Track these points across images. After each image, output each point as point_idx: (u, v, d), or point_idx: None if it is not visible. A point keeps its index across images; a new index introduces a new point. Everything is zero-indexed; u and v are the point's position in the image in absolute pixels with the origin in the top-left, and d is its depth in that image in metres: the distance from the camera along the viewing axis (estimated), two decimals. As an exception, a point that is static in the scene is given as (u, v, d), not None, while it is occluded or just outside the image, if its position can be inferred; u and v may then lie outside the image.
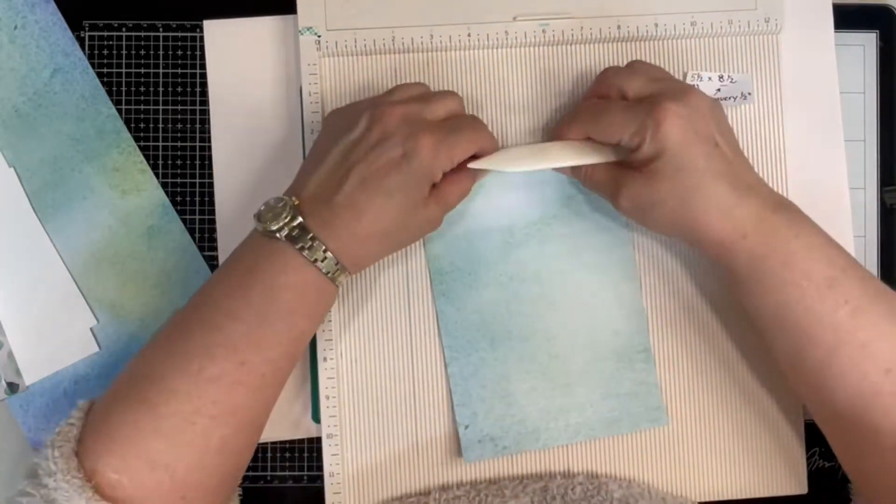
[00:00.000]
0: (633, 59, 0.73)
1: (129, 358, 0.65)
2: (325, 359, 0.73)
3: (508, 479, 0.73)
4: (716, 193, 0.63)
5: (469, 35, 0.73)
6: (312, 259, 0.62)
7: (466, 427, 0.72)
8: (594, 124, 0.66)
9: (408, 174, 0.63)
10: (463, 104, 0.69)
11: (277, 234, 0.62)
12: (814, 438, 0.74)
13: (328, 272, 0.63)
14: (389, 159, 0.63)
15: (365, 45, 0.73)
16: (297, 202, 0.63)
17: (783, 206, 0.64)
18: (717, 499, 0.74)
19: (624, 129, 0.64)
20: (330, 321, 0.72)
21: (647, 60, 0.73)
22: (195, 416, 0.61)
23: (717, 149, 0.64)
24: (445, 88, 0.73)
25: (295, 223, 0.62)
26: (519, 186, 0.73)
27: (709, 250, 0.66)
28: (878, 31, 0.78)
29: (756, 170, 0.68)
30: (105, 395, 0.64)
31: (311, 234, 0.62)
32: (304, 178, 0.65)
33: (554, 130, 0.71)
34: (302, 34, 0.73)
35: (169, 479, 0.60)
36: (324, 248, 0.62)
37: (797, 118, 0.75)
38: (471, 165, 0.67)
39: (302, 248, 0.62)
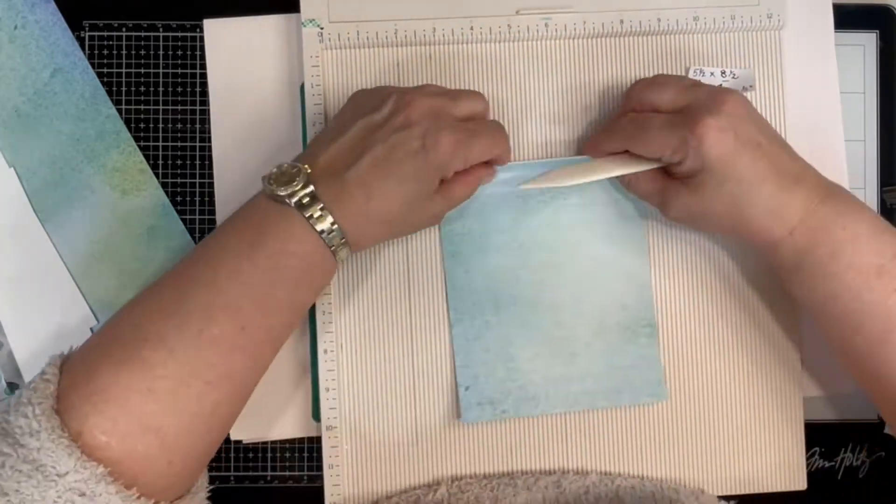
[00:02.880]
0: (636, 53, 0.72)
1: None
2: (325, 350, 0.70)
3: (520, 473, 0.70)
4: (762, 197, 0.61)
5: (472, 28, 0.71)
6: (319, 230, 0.60)
7: (467, 388, 0.70)
8: (633, 141, 0.65)
9: (423, 165, 0.61)
10: (488, 108, 0.68)
11: (287, 200, 0.59)
12: (814, 439, 0.72)
13: (332, 245, 0.61)
14: (408, 147, 0.61)
15: (367, 38, 0.71)
16: (309, 170, 0.61)
17: (831, 195, 0.62)
18: (716, 494, 0.71)
19: (664, 148, 0.63)
20: (330, 304, 0.70)
21: (650, 55, 0.72)
22: (191, 378, 0.57)
23: (759, 150, 0.61)
24: (451, 83, 0.72)
25: (306, 191, 0.60)
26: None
27: (757, 247, 0.65)
28: (878, 31, 0.75)
29: None
30: (85, 351, 0.59)
31: (321, 205, 0.60)
32: (319, 148, 0.63)
33: (589, 144, 0.69)
34: (305, 26, 0.71)
35: (158, 443, 0.56)
36: (331, 220, 0.60)
37: (797, 118, 0.72)
38: (524, 187, 0.68)
39: (310, 217, 0.59)
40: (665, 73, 0.71)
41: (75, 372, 0.57)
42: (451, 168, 0.62)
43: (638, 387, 0.70)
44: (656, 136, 0.63)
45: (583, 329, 0.70)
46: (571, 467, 0.70)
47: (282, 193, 0.59)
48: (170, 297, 0.59)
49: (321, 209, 0.59)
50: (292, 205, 0.59)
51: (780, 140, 0.64)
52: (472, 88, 0.71)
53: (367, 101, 0.64)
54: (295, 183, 0.59)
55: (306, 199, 0.59)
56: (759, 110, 0.69)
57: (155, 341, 0.56)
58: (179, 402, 0.56)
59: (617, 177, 0.68)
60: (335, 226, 0.60)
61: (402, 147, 0.61)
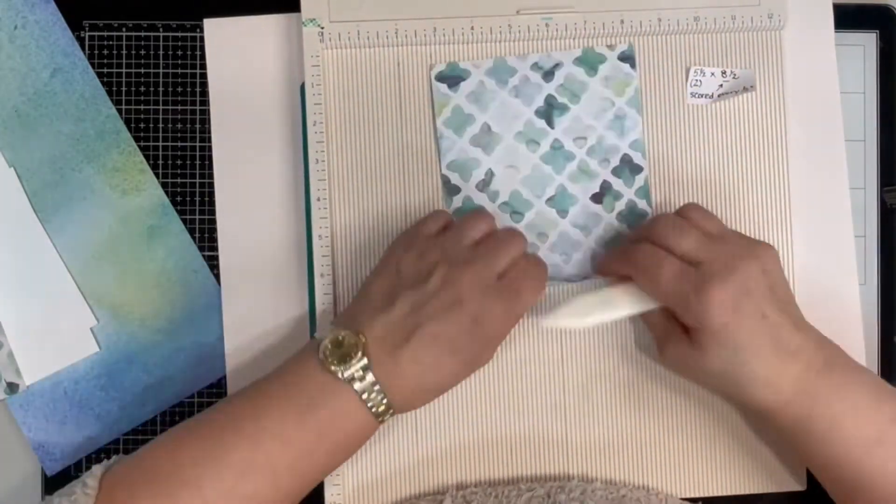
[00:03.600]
0: (637, 53, 0.71)
1: (128, 357, 0.64)
2: None
3: (524, 479, 0.70)
4: (758, 367, 0.61)
5: (472, 28, 0.70)
6: (370, 406, 0.60)
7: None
8: (642, 278, 0.64)
9: (477, 340, 0.62)
10: (525, 244, 0.66)
11: (340, 374, 0.60)
12: None
13: (379, 417, 0.61)
14: (461, 326, 0.60)
15: (368, 38, 0.70)
16: (364, 341, 0.60)
17: (828, 367, 0.62)
18: (715, 495, 0.71)
19: (669, 298, 0.63)
20: (331, 314, 0.69)
21: (651, 56, 0.71)
22: None
23: (763, 321, 0.61)
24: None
25: (360, 365, 0.60)
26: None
27: (751, 411, 0.66)
28: (878, 31, 0.75)
29: (757, 168, 0.67)
30: (125, 472, 0.60)
31: (377, 385, 0.60)
32: (370, 315, 0.62)
33: (602, 262, 0.70)
34: (305, 26, 0.70)
35: None
36: (383, 395, 0.60)
37: (797, 118, 0.72)
38: (545, 324, 0.66)
39: (363, 393, 0.60)
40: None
41: (115, 494, 0.59)
42: (505, 335, 0.64)
43: None
44: (664, 286, 0.62)
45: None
46: (576, 473, 0.70)
47: (340, 373, 0.59)
48: (213, 444, 0.59)
49: (373, 384, 0.59)
50: (345, 378, 0.59)
51: (788, 307, 0.63)
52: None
53: (412, 267, 0.63)
54: (353, 362, 0.59)
55: (360, 374, 0.59)
56: (759, 110, 0.71)
57: (192, 488, 0.58)
58: None
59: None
60: (385, 400, 0.60)
61: (454, 326, 0.60)
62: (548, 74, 0.70)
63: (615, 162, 0.70)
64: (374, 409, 0.60)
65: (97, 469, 0.60)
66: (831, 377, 0.61)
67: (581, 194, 0.70)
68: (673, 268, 0.62)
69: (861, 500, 0.62)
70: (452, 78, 0.70)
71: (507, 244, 0.65)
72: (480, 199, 0.70)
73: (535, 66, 0.70)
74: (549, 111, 0.70)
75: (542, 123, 0.70)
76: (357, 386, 0.59)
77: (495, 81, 0.70)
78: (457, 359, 0.61)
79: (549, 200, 0.70)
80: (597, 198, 0.70)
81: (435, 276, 0.61)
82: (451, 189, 0.70)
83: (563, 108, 0.70)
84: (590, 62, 0.71)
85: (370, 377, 0.59)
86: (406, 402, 0.62)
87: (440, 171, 0.70)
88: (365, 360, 0.59)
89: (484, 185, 0.70)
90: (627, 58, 0.71)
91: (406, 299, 0.61)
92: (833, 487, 0.65)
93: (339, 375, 0.59)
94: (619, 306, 0.66)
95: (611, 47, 0.71)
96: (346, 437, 0.61)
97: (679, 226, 0.64)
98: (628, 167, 0.70)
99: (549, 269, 0.68)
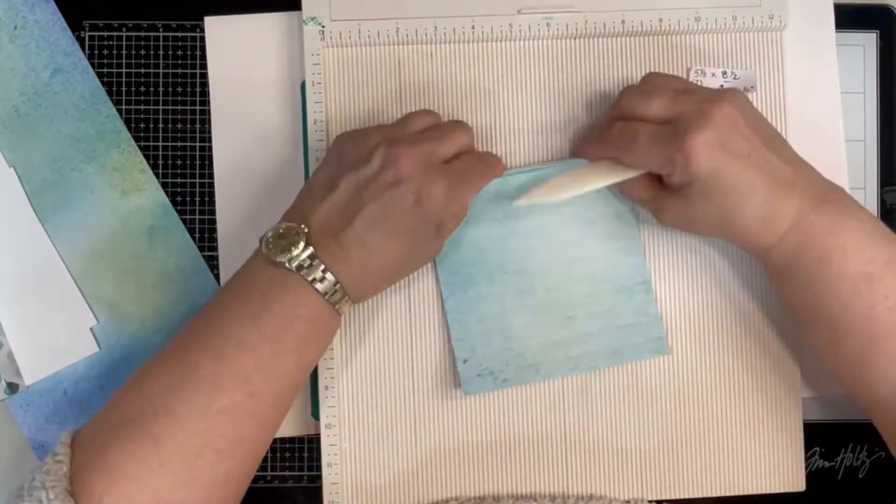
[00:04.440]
0: (637, 53, 0.71)
1: (128, 357, 0.65)
2: None
3: (524, 496, 0.70)
4: (751, 206, 0.60)
5: (473, 27, 0.70)
6: (322, 291, 0.59)
7: (465, 361, 0.69)
8: (622, 152, 0.64)
9: (419, 219, 0.61)
10: (473, 137, 0.67)
11: (288, 264, 0.59)
12: (814, 439, 0.72)
13: (335, 303, 0.61)
14: (403, 204, 0.60)
15: (369, 36, 0.70)
16: (307, 230, 0.60)
17: (825, 200, 0.61)
18: (714, 495, 0.71)
19: (652, 162, 0.62)
20: None
21: (651, 56, 0.71)
22: (202, 449, 0.57)
23: (748, 160, 0.60)
24: (452, 83, 0.71)
25: (306, 253, 0.59)
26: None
27: (751, 253, 0.65)
28: (878, 31, 0.75)
29: None
30: (95, 427, 0.59)
31: (322, 267, 0.59)
32: (312, 204, 0.62)
33: (580, 148, 0.69)
34: (306, 24, 0.70)
35: None
36: (333, 279, 0.60)
37: (798, 118, 0.72)
38: (518, 204, 0.66)
39: (313, 281, 0.59)
40: (662, 72, 0.70)
41: (86, 450, 0.57)
42: (446, 215, 0.62)
43: (638, 344, 0.69)
44: (644, 150, 0.62)
45: (576, 291, 0.69)
46: (573, 493, 0.70)
47: (283, 259, 0.59)
48: (177, 369, 0.58)
49: (323, 270, 0.59)
50: (294, 269, 0.59)
51: (774, 142, 0.62)
52: (473, 88, 0.71)
53: (353, 151, 0.63)
54: (295, 247, 0.59)
55: (307, 262, 0.59)
56: (760, 110, 0.69)
57: (164, 416, 0.56)
58: (192, 474, 0.56)
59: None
60: (338, 285, 0.59)
61: (396, 205, 0.60)
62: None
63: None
64: (327, 296, 0.59)
65: (65, 436, 0.58)
66: (828, 210, 0.60)
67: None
68: (648, 132, 0.62)
69: (847, 343, 0.61)
70: None
71: (452, 132, 0.65)
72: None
73: None
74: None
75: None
76: (305, 274, 0.59)
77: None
78: (402, 241, 0.61)
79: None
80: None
81: (376, 155, 0.61)
82: None
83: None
84: None
85: (317, 263, 0.59)
86: (358, 287, 0.61)
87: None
88: (311, 249, 0.59)
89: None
90: None
91: (348, 181, 0.61)
92: (813, 329, 0.64)
93: (286, 264, 0.59)
94: (594, 179, 0.65)
95: None
96: (308, 328, 0.60)
97: (644, 92, 0.64)
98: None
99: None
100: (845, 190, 0.63)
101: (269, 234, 0.60)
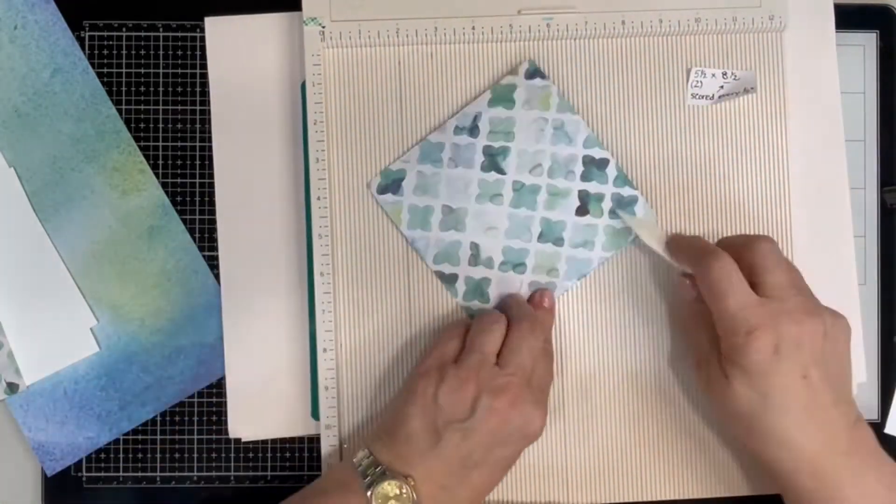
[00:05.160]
0: (637, 54, 0.71)
1: (128, 357, 0.65)
2: (324, 349, 0.69)
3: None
4: (776, 425, 0.60)
5: (473, 28, 0.70)
6: None
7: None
8: (706, 289, 0.62)
9: (523, 446, 0.64)
10: (539, 330, 0.66)
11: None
12: None
13: None
14: (511, 447, 0.63)
15: (369, 37, 0.70)
16: (413, 484, 0.61)
17: (852, 450, 0.60)
18: (713, 496, 0.71)
19: (721, 324, 0.61)
20: (330, 302, 0.69)
21: (651, 56, 0.71)
22: None
23: (801, 381, 0.59)
24: (452, 83, 0.71)
25: None
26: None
27: (759, 466, 0.65)
28: (878, 31, 0.74)
29: (757, 168, 0.68)
30: None
31: None
32: (421, 456, 0.62)
33: (674, 244, 0.68)
34: (306, 24, 0.70)
35: None
36: None
37: (797, 118, 0.71)
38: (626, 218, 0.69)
39: None
40: (666, 74, 0.70)
41: None
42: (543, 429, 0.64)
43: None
44: (722, 310, 0.60)
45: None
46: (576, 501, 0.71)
47: None
48: None
49: None
50: None
51: (836, 381, 0.61)
52: (473, 89, 0.70)
53: (450, 401, 0.62)
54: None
55: None
56: (760, 112, 0.70)
57: None
58: None
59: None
60: None
61: (503, 461, 0.63)
62: (472, 130, 0.70)
63: (579, 168, 0.70)
64: None
65: None
66: (851, 460, 0.60)
67: (565, 216, 0.70)
68: (742, 299, 0.60)
69: None
70: (392, 184, 0.70)
71: (524, 343, 0.65)
72: (479, 272, 0.69)
73: (458, 129, 0.70)
74: (493, 161, 0.69)
75: (493, 175, 0.69)
76: None
77: (430, 164, 0.70)
78: (507, 468, 0.64)
79: (541, 237, 0.69)
80: (581, 211, 0.70)
81: (479, 410, 0.62)
82: (447, 279, 0.70)
83: (504, 151, 0.69)
84: (503, 97, 0.70)
85: None
86: None
87: (430, 269, 0.70)
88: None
89: (475, 259, 0.69)
90: (535, 72, 0.70)
91: (454, 432, 0.61)
92: None
93: None
94: (656, 242, 0.67)
95: (513, 72, 0.70)
96: None
97: (773, 259, 0.62)
98: (594, 165, 0.70)
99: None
100: (874, 435, 0.62)
101: (379, 490, 0.60)
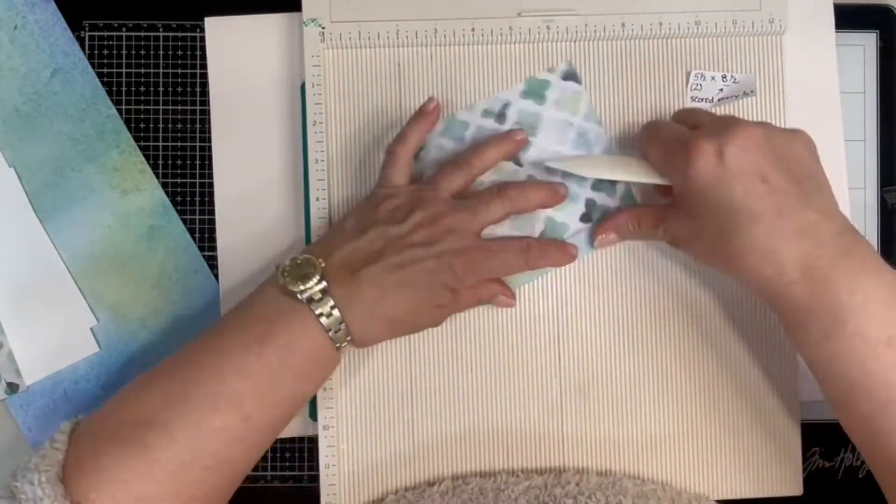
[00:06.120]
0: (637, 56, 0.71)
1: (128, 357, 0.65)
2: None
3: (521, 471, 0.70)
4: (752, 235, 0.57)
5: (473, 30, 0.70)
6: (327, 327, 0.60)
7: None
8: (647, 149, 0.65)
9: (435, 281, 0.62)
10: (511, 208, 0.66)
11: (299, 295, 0.60)
12: (814, 438, 0.72)
13: (337, 343, 0.61)
14: (423, 265, 0.61)
15: (369, 38, 0.70)
16: (324, 265, 0.61)
17: (846, 253, 0.57)
18: (712, 496, 0.70)
19: (663, 164, 0.63)
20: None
21: (651, 59, 0.71)
22: (191, 465, 0.57)
23: (762, 185, 0.57)
24: (452, 85, 0.71)
25: (319, 287, 0.60)
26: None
27: (753, 292, 0.63)
28: (878, 31, 0.74)
29: None
30: (93, 425, 0.60)
31: (331, 303, 0.60)
32: (336, 243, 0.63)
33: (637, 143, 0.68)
34: (306, 25, 0.70)
35: None
36: (340, 317, 0.60)
37: (797, 118, 0.71)
38: (549, 164, 0.68)
39: (320, 315, 0.60)
40: (666, 77, 0.70)
41: (82, 447, 0.58)
42: (461, 285, 0.63)
43: None
44: (659, 145, 0.62)
45: None
46: (571, 466, 0.70)
47: (296, 290, 0.59)
48: (175, 382, 0.59)
49: (331, 307, 0.59)
50: (304, 300, 0.59)
51: (802, 180, 0.59)
52: (473, 90, 0.70)
53: (389, 207, 0.64)
54: (310, 279, 0.59)
55: (318, 296, 0.59)
56: (759, 115, 0.70)
57: (159, 428, 0.57)
58: (178, 486, 0.57)
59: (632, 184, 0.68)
60: (342, 324, 0.60)
61: (418, 263, 0.61)
62: (500, 117, 0.70)
63: (591, 177, 0.69)
64: (331, 332, 0.60)
65: (65, 425, 0.60)
66: (847, 265, 0.56)
67: (569, 219, 0.70)
68: (671, 129, 0.62)
69: (860, 403, 0.57)
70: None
71: (488, 205, 0.65)
72: None
73: (486, 113, 0.70)
74: None
75: (510, 165, 0.69)
76: (314, 307, 0.59)
77: (451, 139, 0.70)
78: (415, 293, 0.62)
79: (542, 236, 0.69)
80: (586, 218, 0.70)
81: (412, 217, 0.62)
82: None
83: (526, 145, 0.69)
84: (536, 91, 0.70)
85: (327, 298, 0.59)
86: (362, 329, 0.61)
87: None
88: (324, 283, 0.60)
89: None
90: (570, 75, 0.70)
91: (377, 232, 0.62)
92: (826, 385, 0.60)
93: (297, 295, 0.59)
94: (624, 171, 0.66)
95: (551, 70, 0.70)
96: (308, 362, 0.61)
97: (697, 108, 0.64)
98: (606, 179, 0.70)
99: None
100: (873, 247, 0.59)
101: (287, 264, 0.61)
